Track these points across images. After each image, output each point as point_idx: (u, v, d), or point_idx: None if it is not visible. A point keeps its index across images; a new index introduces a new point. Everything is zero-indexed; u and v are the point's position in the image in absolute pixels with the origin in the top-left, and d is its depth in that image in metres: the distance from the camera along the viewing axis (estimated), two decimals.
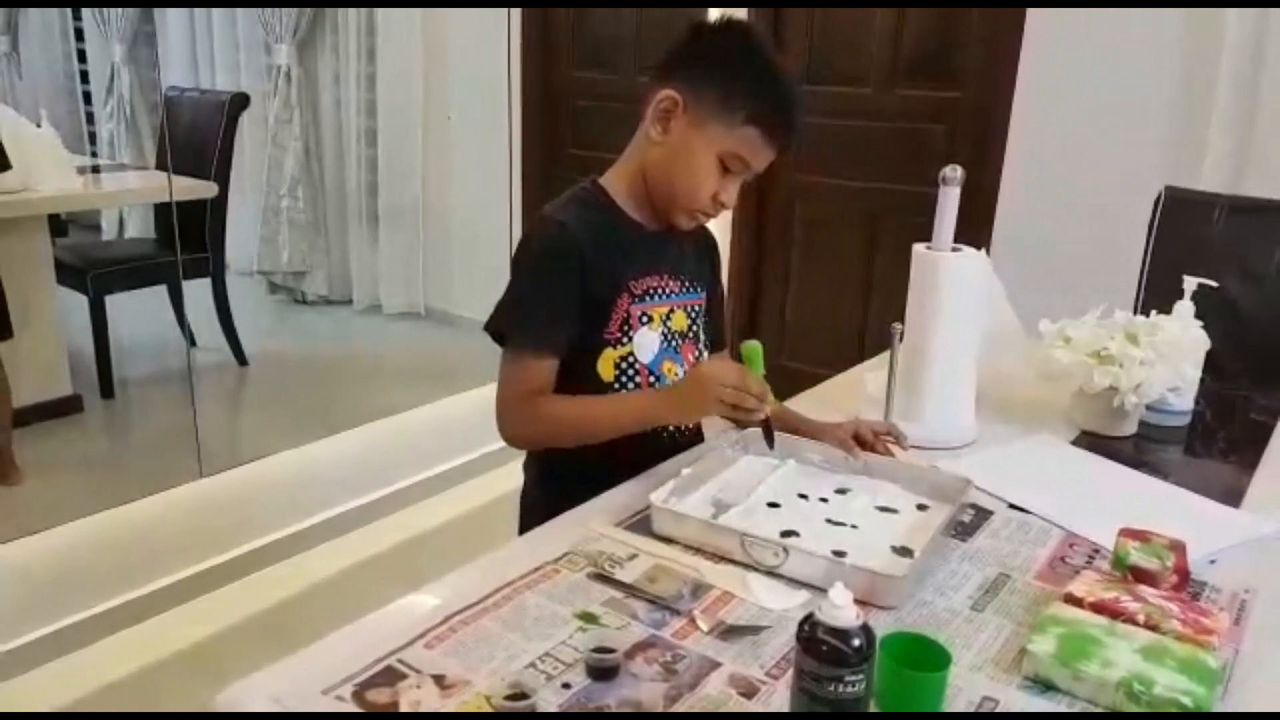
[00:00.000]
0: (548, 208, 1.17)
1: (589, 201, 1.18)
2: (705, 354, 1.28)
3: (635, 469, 1.15)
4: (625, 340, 1.16)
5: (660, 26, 3.25)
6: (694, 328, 1.25)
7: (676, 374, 1.22)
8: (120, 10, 3.47)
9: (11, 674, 1.82)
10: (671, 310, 1.21)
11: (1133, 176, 2.30)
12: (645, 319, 1.18)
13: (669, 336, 1.20)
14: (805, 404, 1.46)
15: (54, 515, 1.95)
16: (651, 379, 1.18)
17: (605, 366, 1.16)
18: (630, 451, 1.16)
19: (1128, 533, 0.97)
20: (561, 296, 1.12)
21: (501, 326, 1.14)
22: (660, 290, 1.19)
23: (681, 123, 1.11)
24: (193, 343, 2.89)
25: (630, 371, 1.17)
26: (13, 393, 2.28)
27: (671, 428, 1.23)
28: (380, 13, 3.39)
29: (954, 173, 1.25)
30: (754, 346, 1.09)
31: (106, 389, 2.75)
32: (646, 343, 1.18)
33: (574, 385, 1.14)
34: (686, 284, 1.23)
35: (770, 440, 1.10)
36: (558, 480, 1.20)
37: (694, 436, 1.29)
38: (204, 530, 2.14)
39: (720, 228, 3.34)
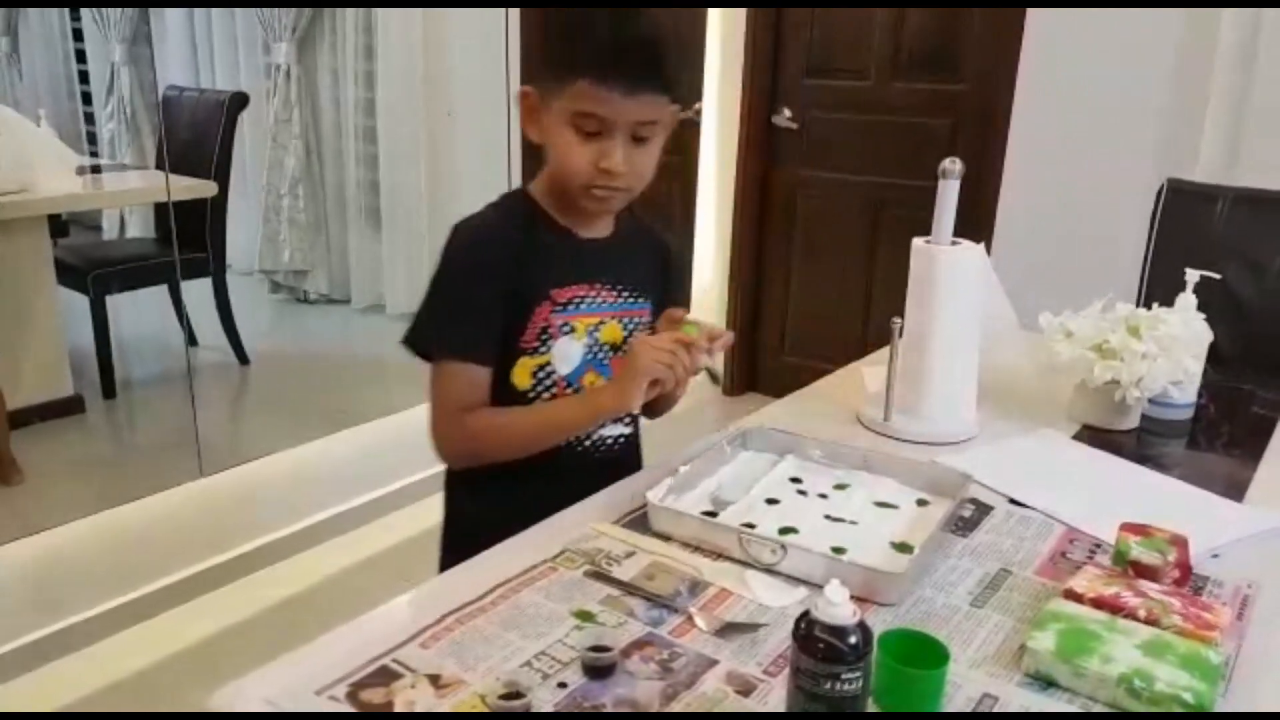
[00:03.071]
0: (468, 216, 1.13)
1: (511, 208, 1.15)
2: None
3: (571, 488, 1.08)
4: (542, 349, 1.11)
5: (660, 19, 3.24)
6: (629, 339, 1.17)
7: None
8: (120, 10, 3.46)
9: (13, 674, 1.82)
10: (602, 321, 1.14)
11: (1134, 169, 2.30)
12: (567, 329, 1.12)
13: (595, 348, 1.14)
14: (806, 399, 1.46)
15: (55, 515, 1.95)
16: (569, 391, 1.13)
17: (521, 374, 1.11)
18: (564, 473, 1.11)
19: (1129, 527, 0.97)
20: (485, 302, 1.08)
21: (425, 338, 1.10)
22: (589, 300, 1.13)
23: (542, 112, 1.07)
24: (193, 342, 2.89)
25: (547, 382, 1.12)
26: (15, 393, 2.28)
27: (604, 433, 1.16)
28: (379, 11, 3.39)
29: (953, 165, 1.25)
30: (689, 324, 1.07)
31: (108, 389, 2.75)
32: (566, 353, 1.12)
33: (492, 396, 1.10)
34: (627, 295, 1.17)
35: (715, 378, 1.09)
36: (488, 504, 1.13)
37: (626, 451, 1.21)
38: (205, 529, 2.14)
39: (720, 225, 3.34)
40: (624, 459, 1.21)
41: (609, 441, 1.17)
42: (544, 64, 1.07)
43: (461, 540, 1.04)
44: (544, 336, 1.11)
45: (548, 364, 1.11)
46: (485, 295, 1.08)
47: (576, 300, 1.12)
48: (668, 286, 1.24)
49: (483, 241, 1.11)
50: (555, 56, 1.06)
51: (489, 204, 1.16)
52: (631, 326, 1.17)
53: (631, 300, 1.17)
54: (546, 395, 1.12)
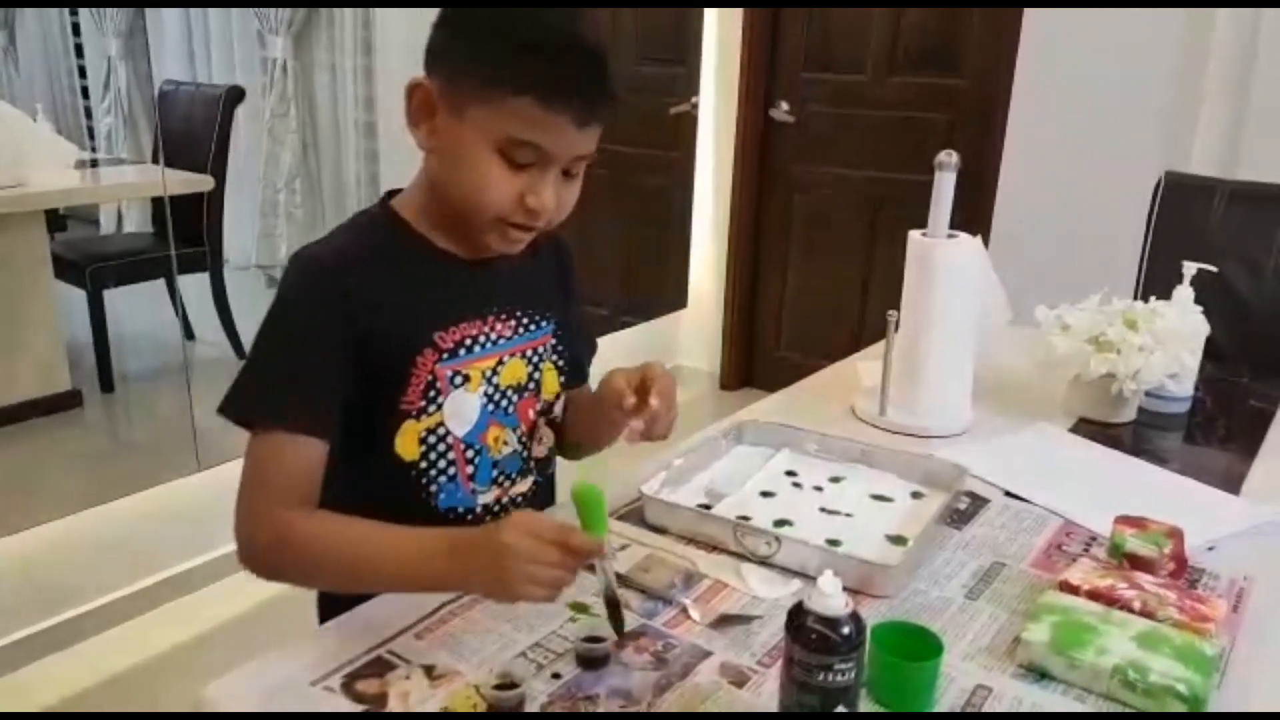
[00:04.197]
0: (317, 240, 0.91)
1: (370, 230, 0.92)
2: (555, 406, 1.02)
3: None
4: (433, 409, 0.91)
5: (661, 14, 3.24)
6: (536, 374, 0.99)
7: (506, 443, 0.96)
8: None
9: (10, 668, 1.83)
10: (500, 362, 0.95)
11: (1132, 163, 2.30)
12: (460, 380, 0.92)
13: (495, 396, 0.95)
14: (800, 394, 1.46)
15: (52, 509, 1.95)
16: (470, 453, 0.94)
17: (406, 443, 0.91)
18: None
19: (1124, 520, 0.97)
20: (321, 357, 0.85)
21: (245, 401, 0.85)
22: (482, 339, 0.93)
23: (444, 116, 0.85)
24: (190, 337, 2.89)
25: (441, 447, 0.92)
26: (12, 388, 2.28)
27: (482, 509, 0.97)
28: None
29: (949, 158, 1.24)
30: (588, 489, 0.79)
31: (105, 383, 2.75)
32: (462, 410, 0.92)
33: (363, 467, 0.90)
34: (525, 322, 0.97)
35: (618, 626, 0.79)
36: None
37: (544, 496, 1.04)
38: (202, 524, 2.14)
39: (717, 219, 3.34)
40: (542, 505, 1.04)
41: (519, 501, 1.00)
42: (464, 63, 0.83)
43: (336, 598, 0.89)
44: (431, 393, 0.90)
45: (439, 425, 0.92)
46: (327, 345, 0.85)
47: (467, 342, 0.92)
48: (569, 293, 1.06)
49: (326, 274, 0.87)
50: (487, 61, 0.82)
51: (345, 223, 0.94)
52: (536, 360, 0.99)
53: (534, 327, 0.99)
54: (443, 463, 0.93)
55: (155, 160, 2.85)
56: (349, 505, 0.83)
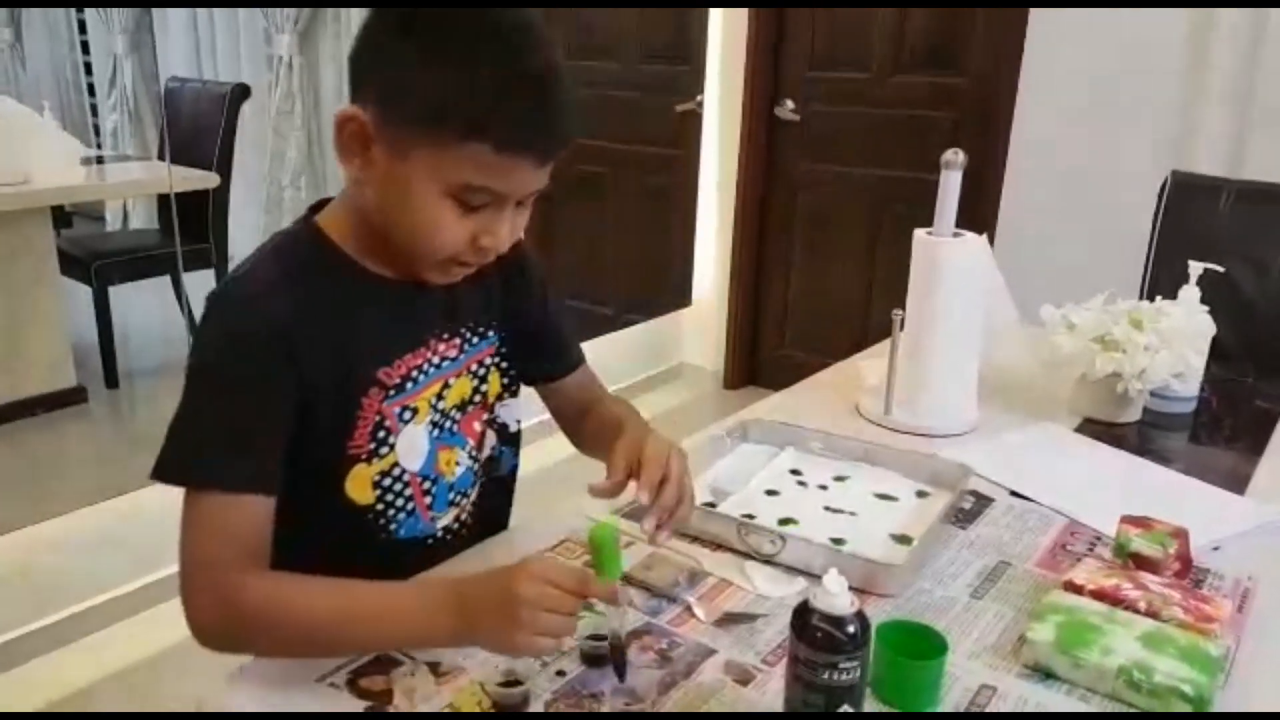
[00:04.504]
0: (236, 271, 0.83)
1: (299, 259, 0.83)
2: (498, 407, 0.97)
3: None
4: (385, 449, 0.85)
5: (666, 13, 3.23)
6: (483, 386, 0.94)
7: (458, 463, 0.92)
8: None
9: (16, 663, 1.83)
10: (445, 384, 0.89)
11: (1137, 162, 2.29)
12: (408, 415, 0.86)
13: (441, 421, 0.90)
14: (804, 393, 1.46)
15: (58, 505, 1.96)
16: (426, 484, 0.89)
17: (358, 487, 0.85)
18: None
19: (1129, 520, 0.96)
20: (259, 407, 0.78)
21: (180, 468, 0.77)
22: (425, 368, 0.87)
23: (382, 151, 0.77)
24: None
25: (398, 486, 0.87)
26: (18, 384, 2.29)
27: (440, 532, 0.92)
28: None
29: (955, 157, 1.24)
30: (605, 531, 0.75)
31: (110, 380, 2.76)
32: (414, 445, 0.87)
33: (310, 512, 0.82)
34: (469, 336, 0.92)
35: (621, 672, 0.75)
36: None
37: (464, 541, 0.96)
38: None
39: (722, 217, 3.34)
40: (495, 506, 1.01)
41: (472, 511, 0.97)
42: (407, 103, 0.74)
43: None
44: (381, 434, 0.85)
45: (394, 465, 0.86)
46: (264, 393, 0.78)
47: (412, 376, 0.86)
48: (534, 299, 0.98)
49: (257, 315, 0.79)
50: (435, 103, 0.73)
51: (261, 251, 0.84)
52: (483, 373, 0.94)
53: (478, 340, 0.93)
54: (400, 501, 0.88)
55: (161, 157, 2.86)
56: (297, 549, 0.78)
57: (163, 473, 0.77)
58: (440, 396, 0.89)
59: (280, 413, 0.79)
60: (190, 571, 0.76)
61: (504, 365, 0.97)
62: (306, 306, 0.80)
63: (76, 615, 1.93)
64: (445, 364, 0.90)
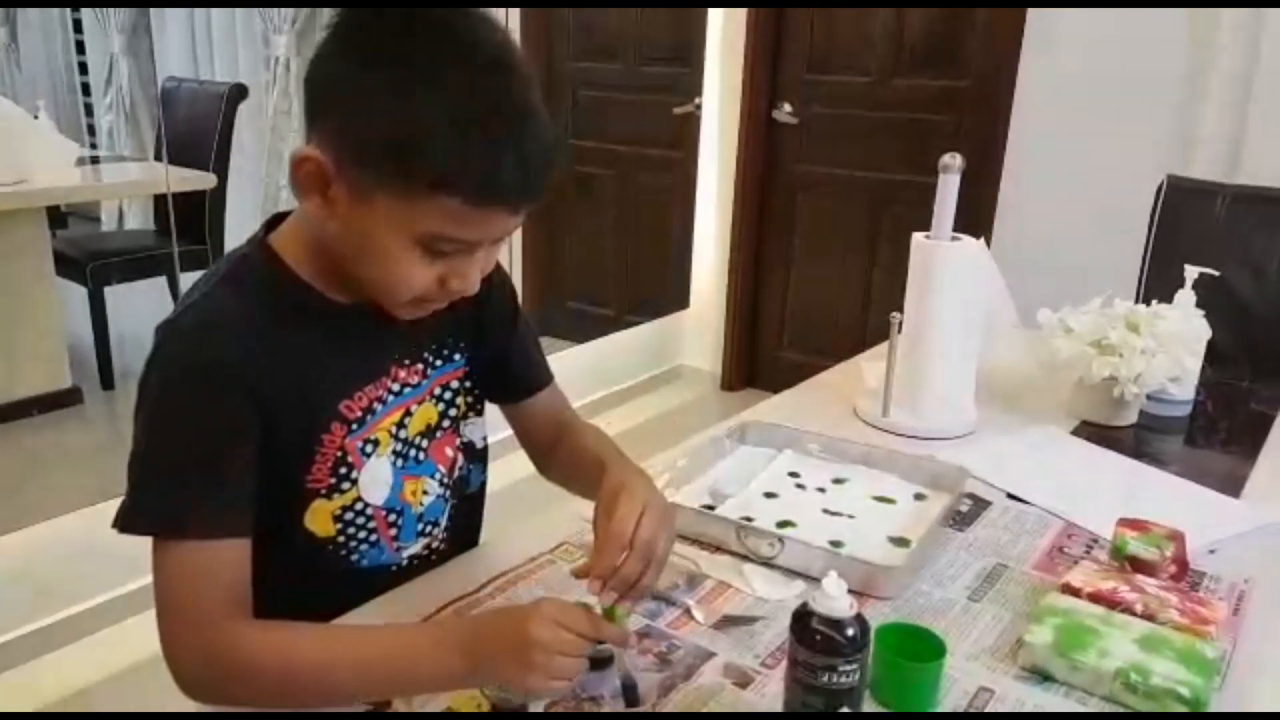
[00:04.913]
0: (187, 298, 0.78)
1: (251, 282, 0.78)
2: (466, 428, 0.94)
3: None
4: (346, 484, 0.82)
5: (665, 15, 3.24)
6: (451, 410, 0.91)
7: (426, 492, 0.89)
8: None
9: (10, 665, 1.83)
10: (407, 412, 0.86)
11: (1134, 166, 2.29)
12: (370, 449, 0.83)
13: (404, 451, 0.87)
14: (803, 395, 1.47)
15: (53, 506, 1.95)
16: (392, 516, 0.86)
17: (319, 521, 0.82)
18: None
19: (1126, 523, 0.97)
20: (224, 448, 0.73)
21: (149, 518, 0.72)
22: (387, 397, 0.84)
23: (343, 193, 0.71)
24: None
25: (360, 520, 0.84)
26: (14, 385, 2.28)
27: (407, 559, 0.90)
28: None
29: (953, 160, 1.24)
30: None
31: (106, 380, 2.75)
32: (377, 478, 0.84)
33: (269, 545, 0.77)
34: (433, 360, 0.89)
35: (633, 702, 0.74)
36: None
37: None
38: None
39: (720, 219, 3.34)
40: (464, 526, 0.98)
41: (443, 539, 0.95)
42: (370, 150, 0.69)
43: None
44: (343, 469, 0.82)
45: (357, 500, 0.83)
46: (227, 432, 0.74)
47: (374, 407, 0.83)
48: (505, 323, 0.95)
49: (213, 348, 0.74)
50: (401, 155, 0.68)
51: (212, 276, 0.79)
52: (450, 396, 0.91)
53: (442, 363, 0.90)
54: (362, 534, 0.85)
55: (157, 157, 2.85)
56: (257, 575, 0.74)
57: (129, 523, 0.71)
58: (401, 425, 0.86)
59: (247, 449, 0.75)
60: (173, 628, 0.72)
61: (469, 385, 0.93)
62: (263, 338, 0.76)
63: (75, 616, 1.93)
64: (406, 391, 0.86)
